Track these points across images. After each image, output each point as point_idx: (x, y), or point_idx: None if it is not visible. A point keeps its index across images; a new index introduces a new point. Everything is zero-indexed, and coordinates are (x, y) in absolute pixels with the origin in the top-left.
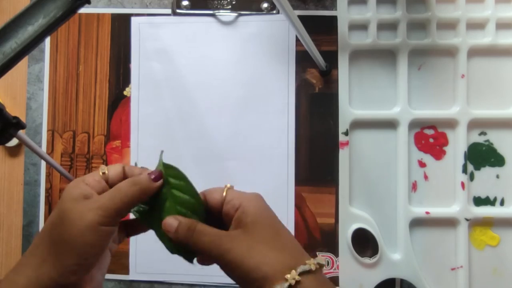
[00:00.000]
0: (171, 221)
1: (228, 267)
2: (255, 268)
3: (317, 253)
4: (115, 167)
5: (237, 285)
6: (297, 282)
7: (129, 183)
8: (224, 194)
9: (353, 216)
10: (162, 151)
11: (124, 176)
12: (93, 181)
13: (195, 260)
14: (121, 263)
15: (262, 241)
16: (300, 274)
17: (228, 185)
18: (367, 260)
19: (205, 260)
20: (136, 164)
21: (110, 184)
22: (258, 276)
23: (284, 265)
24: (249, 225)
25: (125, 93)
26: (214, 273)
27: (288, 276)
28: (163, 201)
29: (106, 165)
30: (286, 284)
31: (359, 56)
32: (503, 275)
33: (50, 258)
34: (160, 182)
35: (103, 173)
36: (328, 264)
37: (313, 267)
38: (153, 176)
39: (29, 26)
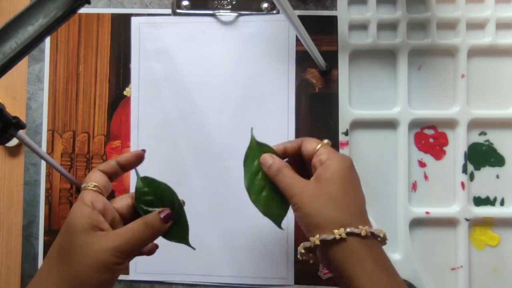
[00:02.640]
0: (267, 157)
1: (294, 207)
2: (311, 215)
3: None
4: (99, 177)
5: (237, 286)
6: (342, 239)
7: (144, 226)
8: (318, 147)
9: None
10: (252, 128)
11: (108, 178)
12: (95, 202)
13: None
14: None
15: (327, 196)
16: (348, 234)
17: (326, 141)
18: None
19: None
20: (136, 171)
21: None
22: (311, 222)
23: (337, 221)
24: (324, 180)
25: (125, 93)
26: (214, 273)
27: (336, 231)
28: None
29: None
30: (331, 237)
31: (359, 56)
32: (503, 275)
33: None
34: (170, 223)
35: (94, 186)
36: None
37: (363, 232)
38: (163, 217)
39: (29, 26)
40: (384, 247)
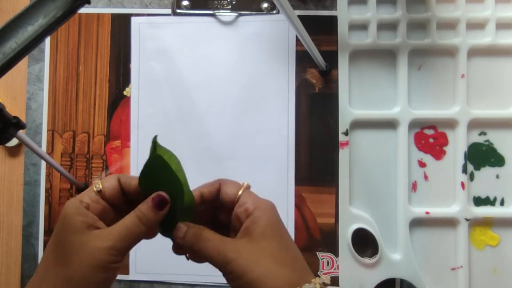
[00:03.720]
0: (179, 227)
1: (231, 276)
2: (258, 281)
3: (317, 253)
4: (109, 181)
5: None
6: None
7: (137, 221)
8: (240, 193)
9: (353, 216)
10: (156, 136)
11: (121, 187)
12: (92, 203)
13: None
14: None
15: (268, 254)
16: None
17: (245, 184)
18: (367, 260)
19: (198, 259)
20: (156, 143)
21: (107, 199)
22: None
23: (289, 281)
24: (257, 236)
25: (125, 93)
26: (214, 273)
27: None
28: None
29: (106, 165)
30: None
31: (359, 56)
32: (503, 275)
33: None
34: (166, 209)
35: (99, 190)
36: (328, 264)
37: (318, 286)
38: (154, 203)
39: (29, 26)
40: (384, 247)
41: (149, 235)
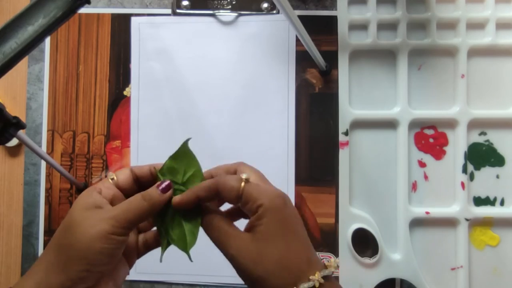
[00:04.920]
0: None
1: (234, 268)
2: (258, 279)
3: (317, 253)
4: (123, 172)
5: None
6: None
7: (140, 197)
8: (242, 187)
9: (353, 216)
10: (189, 139)
11: (134, 178)
12: (105, 189)
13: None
14: None
15: (269, 256)
16: None
17: (244, 178)
18: (367, 260)
19: None
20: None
21: (121, 189)
22: (259, 285)
23: (288, 281)
24: (260, 235)
25: (125, 93)
26: (214, 273)
27: None
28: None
29: (106, 165)
30: None
31: (359, 56)
32: (503, 275)
33: (60, 264)
34: (170, 193)
35: (112, 179)
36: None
37: (316, 284)
38: (161, 188)
39: (29, 26)
40: (384, 247)
41: (151, 215)
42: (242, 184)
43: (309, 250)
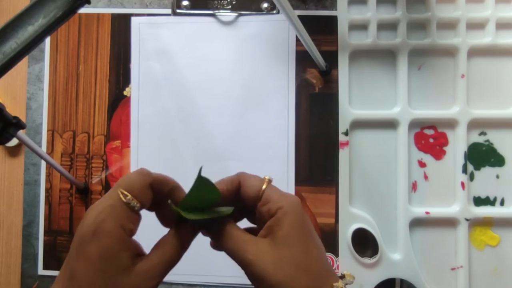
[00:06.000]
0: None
1: (250, 278)
2: (278, 284)
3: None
4: (144, 194)
5: (237, 285)
6: None
7: (179, 252)
8: (263, 188)
9: (353, 216)
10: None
11: (153, 192)
12: (131, 224)
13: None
14: None
15: (289, 260)
16: None
17: (267, 178)
18: (367, 260)
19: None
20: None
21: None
22: None
23: (309, 286)
24: (279, 239)
25: (125, 93)
26: (214, 273)
27: None
28: None
29: (106, 165)
30: None
31: (359, 56)
32: (503, 275)
33: None
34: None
35: (134, 207)
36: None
37: None
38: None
39: (29, 26)
40: (384, 247)
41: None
42: (265, 184)
43: (325, 257)
